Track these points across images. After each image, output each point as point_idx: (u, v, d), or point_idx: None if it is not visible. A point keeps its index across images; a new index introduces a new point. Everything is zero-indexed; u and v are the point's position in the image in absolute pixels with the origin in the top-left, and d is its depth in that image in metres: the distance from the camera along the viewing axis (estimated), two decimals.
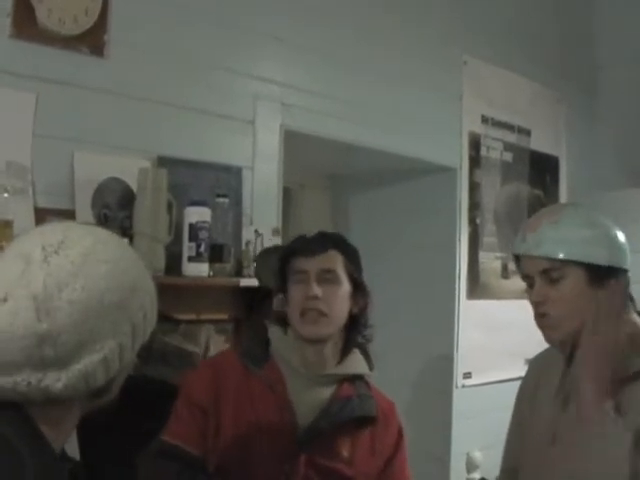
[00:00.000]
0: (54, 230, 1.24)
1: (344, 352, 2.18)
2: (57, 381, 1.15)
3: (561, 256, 1.85)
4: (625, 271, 1.89)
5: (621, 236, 1.92)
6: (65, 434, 1.24)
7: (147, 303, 1.27)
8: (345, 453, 2.10)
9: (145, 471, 2.07)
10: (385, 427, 2.19)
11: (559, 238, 1.87)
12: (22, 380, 1.14)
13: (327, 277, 2.11)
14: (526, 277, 1.97)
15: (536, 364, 2.18)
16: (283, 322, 2.18)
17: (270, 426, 2.06)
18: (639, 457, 1.72)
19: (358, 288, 2.16)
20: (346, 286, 2.13)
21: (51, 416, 1.19)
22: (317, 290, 2.08)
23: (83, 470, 1.31)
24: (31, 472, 1.09)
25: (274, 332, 2.19)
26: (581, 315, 1.86)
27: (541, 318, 1.93)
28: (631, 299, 1.93)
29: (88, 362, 1.17)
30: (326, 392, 2.13)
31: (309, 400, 2.10)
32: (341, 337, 2.16)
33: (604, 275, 1.85)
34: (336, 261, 2.13)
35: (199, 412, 2.08)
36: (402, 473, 2.21)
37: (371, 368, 2.23)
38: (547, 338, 1.95)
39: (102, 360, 1.18)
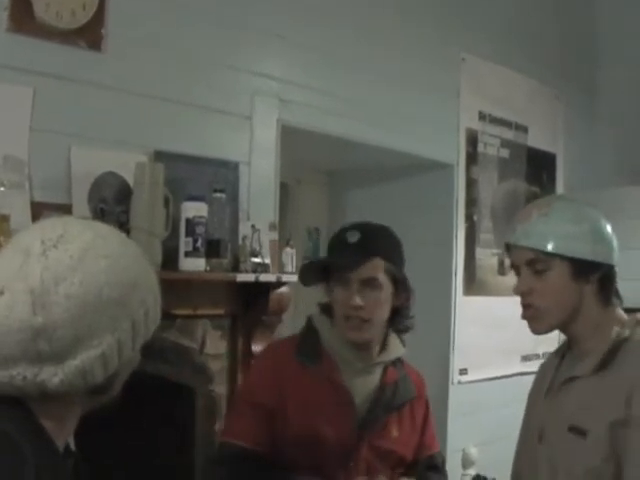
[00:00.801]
0: (54, 224, 1.23)
1: (386, 338, 2.25)
2: (53, 376, 1.14)
3: (547, 249, 1.88)
4: (611, 266, 1.90)
5: (608, 231, 1.93)
6: (67, 430, 1.24)
7: (149, 300, 1.26)
8: (395, 433, 2.21)
9: (219, 478, 2.18)
10: (419, 401, 2.32)
11: (547, 231, 1.90)
12: (18, 374, 1.13)
13: (369, 285, 2.13)
14: (514, 267, 2.00)
15: (540, 368, 2.20)
16: (329, 312, 2.22)
17: (333, 415, 2.14)
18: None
19: (400, 285, 2.19)
20: (388, 288, 2.15)
21: (52, 412, 1.18)
22: (359, 300, 2.11)
23: (86, 465, 1.31)
24: (32, 469, 1.08)
25: (322, 323, 2.24)
26: (565, 307, 1.89)
27: (526, 310, 1.96)
28: (617, 295, 1.95)
29: (85, 358, 1.15)
30: (375, 378, 2.22)
31: (363, 388, 2.19)
32: (384, 327, 2.22)
33: (589, 270, 1.87)
34: (378, 268, 2.14)
35: (263, 412, 2.14)
36: (432, 440, 2.36)
37: (404, 346, 2.31)
38: (532, 329, 1.97)
39: (100, 356, 1.17)
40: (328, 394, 2.15)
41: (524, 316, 1.97)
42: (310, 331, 2.24)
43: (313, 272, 2.22)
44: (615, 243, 1.93)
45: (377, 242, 2.19)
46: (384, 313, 2.17)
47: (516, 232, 1.97)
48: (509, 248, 2.03)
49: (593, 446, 1.79)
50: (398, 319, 2.24)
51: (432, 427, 2.37)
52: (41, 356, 1.13)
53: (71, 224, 1.24)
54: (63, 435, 1.22)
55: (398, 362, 2.29)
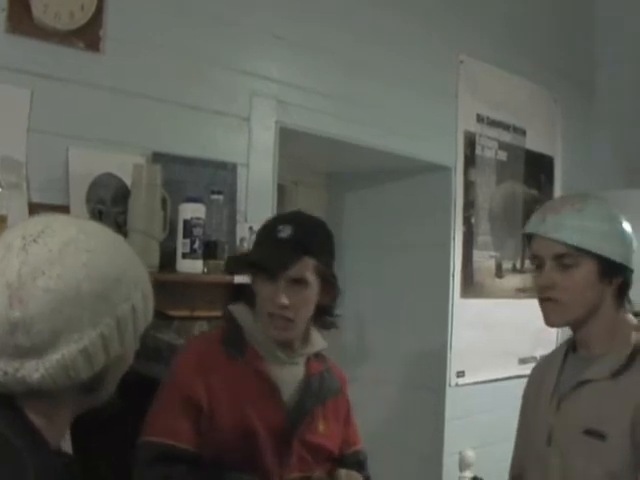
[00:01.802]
0: (38, 221, 1.24)
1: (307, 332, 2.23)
2: (34, 371, 1.13)
3: (579, 244, 1.84)
4: (632, 271, 1.90)
5: (633, 236, 1.93)
6: (59, 430, 1.23)
7: (135, 296, 1.25)
8: (321, 427, 2.18)
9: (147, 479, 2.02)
10: (342, 396, 2.31)
11: (580, 226, 1.86)
12: None
13: (297, 284, 2.09)
14: (535, 258, 1.96)
15: (537, 370, 2.19)
16: (250, 300, 2.18)
17: (262, 408, 2.10)
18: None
19: (328, 283, 2.15)
20: (315, 286, 2.12)
21: (42, 410, 1.18)
22: (285, 300, 2.07)
23: (78, 466, 1.30)
24: (30, 469, 1.08)
25: (243, 315, 2.19)
26: (585, 306, 1.87)
27: (546, 302, 1.92)
28: (628, 300, 1.94)
29: (66, 352, 1.15)
30: (299, 370, 2.20)
31: (289, 379, 2.16)
32: (307, 323, 2.19)
33: (614, 271, 1.86)
34: (307, 267, 2.09)
35: (192, 406, 2.05)
36: (355, 436, 2.34)
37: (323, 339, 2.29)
38: (547, 321, 1.94)
39: (82, 351, 1.16)
40: (255, 386, 2.11)
41: (542, 307, 1.94)
42: (232, 323, 2.19)
43: (240, 265, 2.22)
44: (636, 247, 1.92)
45: (309, 239, 2.11)
46: (309, 312, 2.14)
47: (545, 223, 1.91)
48: (530, 239, 1.98)
49: (614, 449, 1.78)
50: (323, 317, 2.21)
51: (355, 423, 2.36)
52: (20, 350, 1.13)
53: (55, 220, 1.24)
54: (55, 434, 1.21)
55: (320, 355, 2.27)
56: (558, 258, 1.88)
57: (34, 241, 1.16)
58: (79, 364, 1.16)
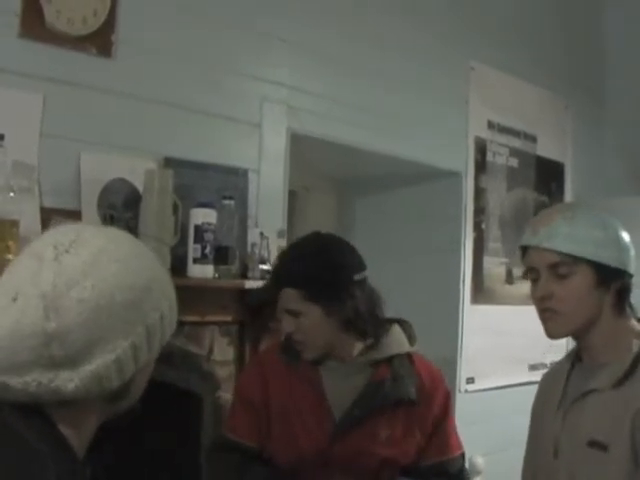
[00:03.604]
0: (67, 230, 1.23)
1: (376, 334, 2.20)
2: (69, 381, 1.13)
3: (573, 252, 1.83)
4: (630, 275, 1.88)
5: (629, 240, 1.91)
6: (85, 437, 1.22)
7: (164, 304, 1.25)
8: (383, 434, 2.15)
9: (210, 465, 2.29)
10: (427, 403, 2.22)
11: (572, 234, 1.85)
12: (32, 380, 1.12)
13: (291, 314, 2.13)
14: (531, 270, 1.93)
15: (544, 380, 2.17)
16: None
17: (309, 416, 2.16)
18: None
19: (331, 302, 2.12)
20: (314, 311, 2.11)
21: (70, 419, 1.17)
22: (288, 328, 2.15)
23: (103, 473, 1.30)
24: (53, 473, 1.08)
25: None
26: (584, 314, 1.85)
27: (544, 313, 1.91)
28: (630, 306, 1.92)
29: (100, 362, 1.15)
30: (361, 378, 2.18)
31: (344, 389, 2.16)
32: (335, 337, 2.17)
33: (612, 277, 1.84)
34: (290, 298, 2.12)
35: (252, 408, 2.21)
36: (445, 445, 2.24)
37: (412, 343, 2.27)
38: (548, 333, 1.92)
39: (115, 361, 1.16)
40: (307, 396, 2.17)
41: (542, 318, 1.92)
42: None
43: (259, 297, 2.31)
44: (634, 252, 1.91)
45: (287, 271, 2.17)
46: (320, 332, 2.14)
47: (538, 235, 1.90)
48: (525, 251, 1.97)
49: (615, 460, 1.76)
50: (353, 328, 2.16)
51: (447, 432, 2.26)
52: (55, 361, 1.12)
53: (83, 230, 1.24)
54: (82, 442, 1.21)
55: (398, 361, 2.21)
56: (553, 268, 1.87)
57: (66, 251, 1.16)
58: (112, 374, 1.16)
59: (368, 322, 2.17)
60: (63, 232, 1.22)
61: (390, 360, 2.20)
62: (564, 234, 1.85)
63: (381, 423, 2.16)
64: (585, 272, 1.84)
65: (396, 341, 2.24)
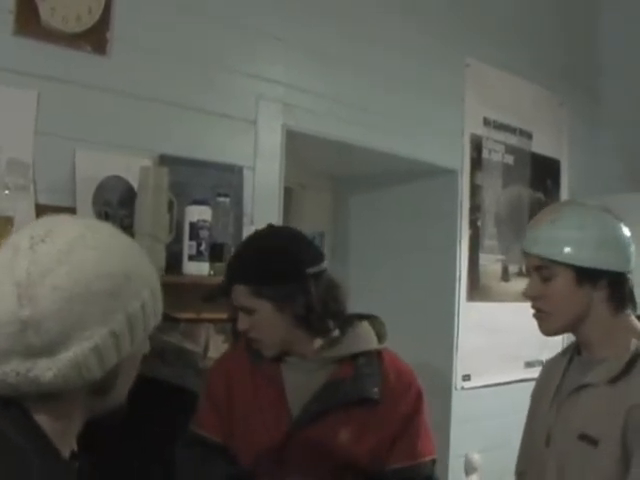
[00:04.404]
0: (45, 221, 1.24)
1: (340, 330, 2.18)
2: (47, 370, 1.13)
3: (550, 256, 1.90)
4: (619, 273, 1.89)
5: (618, 237, 1.92)
6: (69, 432, 1.22)
7: (145, 293, 1.24)
8: (345, 433, 2.10)
9: (177, 458, 2.28)
10: (394, 403, 2.15)
11: (552, 238, 1.92)
12: (11, 370, 1.12)
13: (244, 310, 2.12)
14: (527, 272, 2.04)
15: (544, 370, 2.20)
16: None
17: (269, 416, 2.14)
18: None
19: (283, 299, 2.09)
20: (265, 308, 2.09)
21: (50, 411, 1.17)
22: (242, 325, 2.14)
23: (92, 469, 1.30)
24: (35, 468, 1.08)
25: None
26: (572, 313, 1.89)
27: (536, 312, 1.97)
28: (632, 301, 1.94)
29: (78, 350, 1.14)
30: (323, 375, 2.14)
31: (305, 386, 2.13)
32: (292, 333, 2.14)
33: (593, 276, 1.87)
34: (241, 295, 2.11)
35: (216, 406, 2.22)
36: (413, 449, 2.17)
37: (381, 341, 2.22)
38: (541, 331, 2.00)
39: (93, 348, 1.15)
40: (268, 391, 2.15)
41: (535, 317, 2.00)
42: None
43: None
44: (627, 249, 1.92)
45: (237, 266, 2.17)
46: (276, 329, 2.12)
47: (527, 239, 2.00)
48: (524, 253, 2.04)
49: (605, 455, 1.78)
50: (306, 323, 2.12)
51: (416, 434, 2.18)
52: (31, 350, 1.12)
53: (61, 220, 1.25)
54: (65, 436, 1.20)
55: (364, 358, 2.16)
56: (538, 270, 1.96)
57: (42, 241, 1.16)
58: (91, 363, 1.16)
59: (324, 317, 2.13)
60: (41, 223, 1.23)
61: (355, 357, 2.16)
62: (545, 239, 1.94)
63: (341, 422, 2.11)
64: (564, 273, 1.89)
65: (362, 338, 2.19)
